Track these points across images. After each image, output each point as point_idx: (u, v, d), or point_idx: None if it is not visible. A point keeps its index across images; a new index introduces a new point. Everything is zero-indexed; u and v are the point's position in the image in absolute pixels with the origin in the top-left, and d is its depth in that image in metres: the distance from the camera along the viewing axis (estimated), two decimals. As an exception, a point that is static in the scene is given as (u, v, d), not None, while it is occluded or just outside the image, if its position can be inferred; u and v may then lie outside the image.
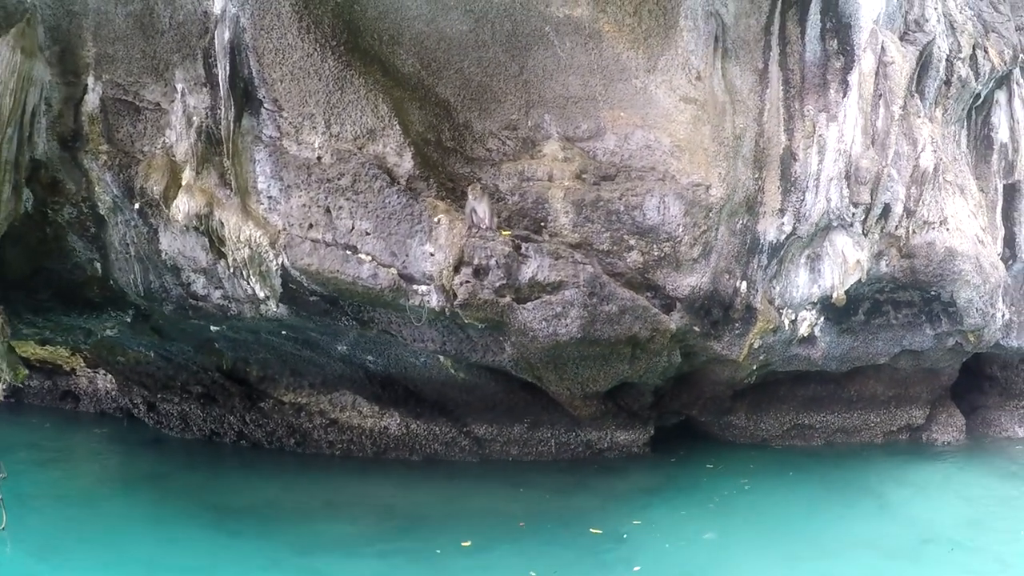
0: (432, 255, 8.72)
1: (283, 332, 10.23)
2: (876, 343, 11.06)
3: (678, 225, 9.12)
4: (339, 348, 10.35)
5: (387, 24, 9.04)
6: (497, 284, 8.71)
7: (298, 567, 8.57)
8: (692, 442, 12.15)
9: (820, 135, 9.78)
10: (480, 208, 8.82)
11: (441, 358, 9.99)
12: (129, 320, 10.34)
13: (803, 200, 9.84)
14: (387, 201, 8.70)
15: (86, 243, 9.78)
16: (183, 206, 8.92)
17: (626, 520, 9.49)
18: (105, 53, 9.16)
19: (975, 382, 13.56)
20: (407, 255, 8.75)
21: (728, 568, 8.62)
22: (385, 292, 8.74)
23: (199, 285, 9.59)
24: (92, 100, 9.33)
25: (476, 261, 8.68)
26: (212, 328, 10.26)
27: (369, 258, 8.74)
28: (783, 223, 9.81)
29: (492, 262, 8.69)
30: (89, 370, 13.33)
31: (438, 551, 8.74)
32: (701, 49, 9.39)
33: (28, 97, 9.26)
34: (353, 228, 8.75)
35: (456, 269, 8.73)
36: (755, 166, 9.66)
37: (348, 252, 8.75)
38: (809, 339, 10.58)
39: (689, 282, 9.34)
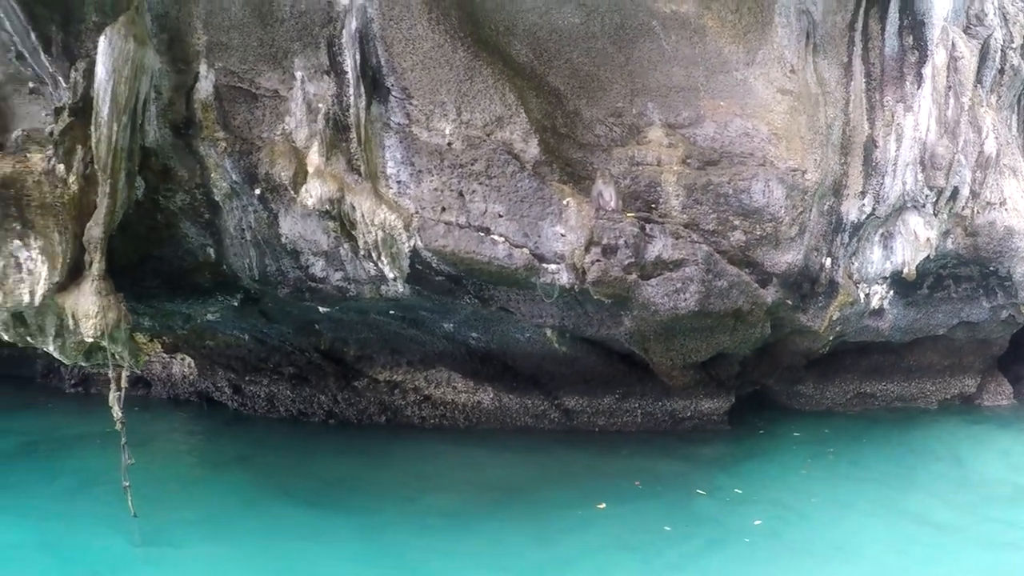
0: (563, 236, 9.01)
1: (391, 312, 10.37)
2: (937, 315, 11.81)
3: (780, 207, 9.58)
4: (445, 326, 10.55)
5: (502, 16, 9.23)
6: (626, 262, 9.08)
7: (409, 537, 8.87)
8: (760, 410, 12.64)
9: (898, 124, 10.41)
10: (607, 191, 9.18)
11: (548, 332, 10.29)
12: (236, 304, 10.34)
13: (882, 183, 10.46)
14: (519, 185, 8.96)
15: (199, 229, 9.77)
16: (315, 191, 8.99)
17: (727, 483, 9.96)
18: (218, 41, 9.10)
19: (1020, 353, 14.23)
20: (539, 236, 9.02)
21: (844, 522, 9.14)
22: (519, 271, 9.00)
23: (318, 268, 9.69)
24: (205, 87, 9.28)
25: (605, 241, 9.03)
26: (321, 310, 10.33)
27: (502, 239, 8.99)
28: (864, 204, 10.42)
29: (621, 242, 9.04)
30: (165, 356, 13.21)
31: (579, 512, 9.09)
32: (794, 44, 9.87)
33: (140, 85, 9.22)
34: (486, 211, 8.98)
35: (587, 249, 9.07)
36: (842, 152, 10.22)
37: (482, 234, 8.98)
38: (879, 311, 11.26)
39: (786, 259, 9.84)
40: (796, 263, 9.89)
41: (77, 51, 9.15)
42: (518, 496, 9.78)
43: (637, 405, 11.55)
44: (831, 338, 11.11)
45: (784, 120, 9.68)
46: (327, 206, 8.99)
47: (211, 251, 9.82)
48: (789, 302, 10.15)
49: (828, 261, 10.35)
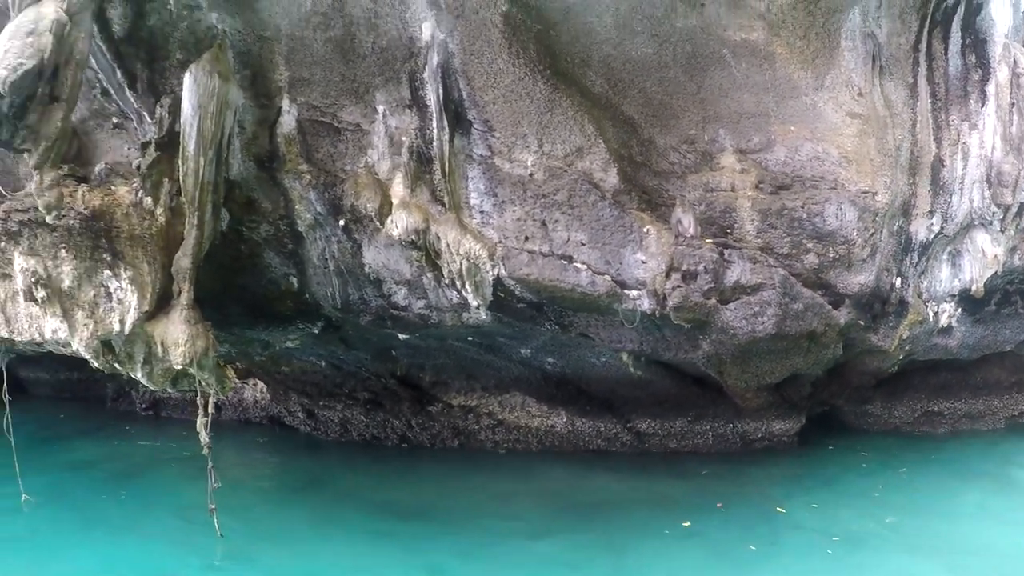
0: (644, 262, 9.18)
1: (469, 338, 10.57)
2: (1004, 331, 11.90)
3: (853, 229, 9.70)
4: (522, 352, 10.74)
5: (578, 48, 9.39)
6: (705, 288, 9.23)
7: (486, 559, 9.09)
8: (827, 430, 12.74)
9: (964, 142, 10.53)
10: (686, 218, 9.35)
11: (624, 356, 10.45)
12: (317, 331, 10.56)
13: (950, 202, 10.58)
14: (600, 214, 9.13)
15: (283, 259, 10.02)
16: (401, 222, 9.19)
17: (804, 501, 10.11)
18: (300, 77, 9.31)
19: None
20: (621, 263, 9.19)
21: (923, 537, 9.27)
22: (602, 298, 9.17)
23: (400, 296, 9.90)
24: (288, 122, 9.51)
25: (685, 267, 9.19)
26: (401, 337, 10.53)
27: (585, 267, 9.16)
28: (932, 223, 10.54)
29: (700, 267, 9.20)
30: (237, 381, 13.46)
31: (666, 531, 9.28)
32: (861, 67, 10.01)
33: (225, 120, 9.45)
34: (569, 239, 9.15)
35: (667, 275, 9.23)
36: (910, 173, 10.34)
37: (564, 262, 9.16)
38: (947, 329, 11.36)
39: (858, 280, 9.95)
40: (868, 284, 10.01)
41: (162, 87, 9.40)
42: (597, 517, 9.97)
43: (708, 427, 11.70)
44: (900, 357, 11.21)
45: (854, 143, 9.80)
46: (412, 236, 9.17)
47: (294, 280, 10.05)
48: (861, 322, 10.28)
49: (898, 281, 10.48)
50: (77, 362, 17.26)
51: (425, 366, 11.54)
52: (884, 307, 10.53)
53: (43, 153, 8.62)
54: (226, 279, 10.03)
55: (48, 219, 8.64)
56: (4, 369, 10.81)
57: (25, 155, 10.05)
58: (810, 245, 9.74)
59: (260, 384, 13.33)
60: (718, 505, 9.97)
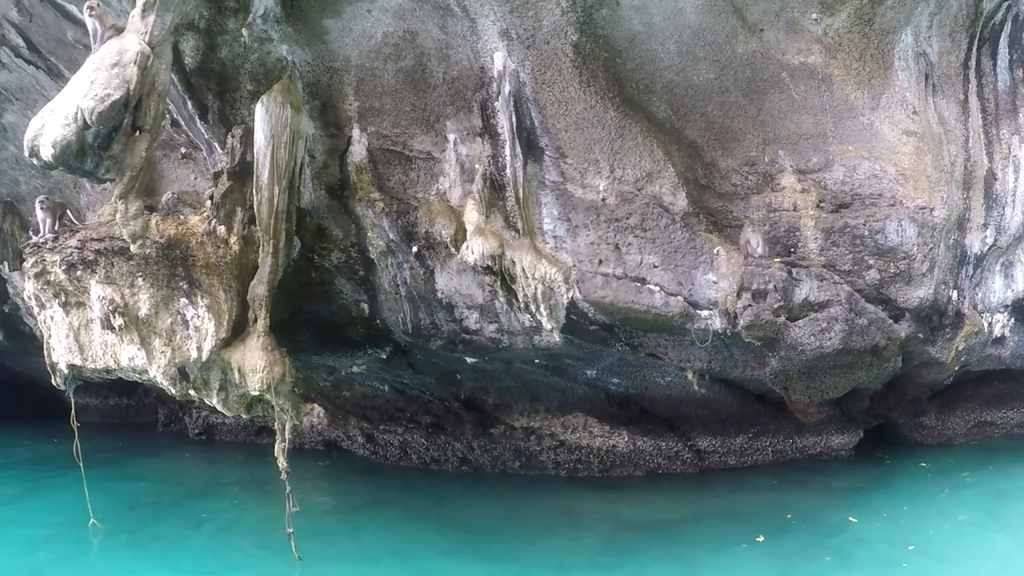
0: (716, 283, 9.37)
1: (536, 361, 10.72)
2: (1055, 341, 12.19)
3: (913, 245, 9.91)
4: (588, 373, 10.91)
5: (642, 75, 9.59)
6: (775, 306, 9.43)
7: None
8: (880, 443, 12.98)
9: (1014, 156, 10.79)
10: (754, 238, 9.54)
11: (689, 375, 10.62)
12: (385, 356, 10.70)
13: (1003, 215, 10.82)
14: (672, 236, 9.32)
15: (354, 286, 10.16)
16: (477, 248, 9.31)
17: (872, 512, 10.28)
18: (370, 107, 9.51)
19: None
20: (692, 284, 9.37)
21: (993, 541, 9.47)
22: (675, 318, 9.35)
23: (472, 320, 10.03)
24: (358, 151, 9.71)
25: (755, 286, 9.39)
26: (468, 360, 10.65)
27: (658, 288, 9.33)
28: (986, 236, 10.77)
29: (770, 286, 9.40)
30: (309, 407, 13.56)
31: (740, 546, 9.44)
32: (914, 86, 10.22)
33: (297, 150, 9.58)
34: (642, 262, 9.33)
35: (738, 294, 9.40)
36: (964, 187, 10.57)
37: (638, 284, 9.33)
38: (1000, 339, 11.59)
39: (918, 294, 10.15)
40: (927, 298, 10.22)
41: (232, 118, 9.62)
42: (666, 535, 10.08)
43: (768, 443, 11.90)
44: (956, 368, 11.44)
45: (911, 160, 10.02)
46: (488, 262, 9.32)
47: (365, 306, 10.19)
48: (920, 335, 10.48)
49: (955, 294, 10.70)
50: (127, 388, 17.51)
51: (489, 389, 11.68)
52: (941, 320, 10.73)
53: (128, 183, 8.74)
54: (295, 306, 10.16)
55: (133, 248, 8.75)
56: (71, 396, 10.75)
57: (107, 185, 10.28)
58: (871, 261, 9.94)
59: (317, 409, 13.39)
60: (788, 517, 10.09)
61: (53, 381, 10.16)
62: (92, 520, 10.60)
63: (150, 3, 8.30)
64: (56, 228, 9.77)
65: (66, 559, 10.33)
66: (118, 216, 8.71)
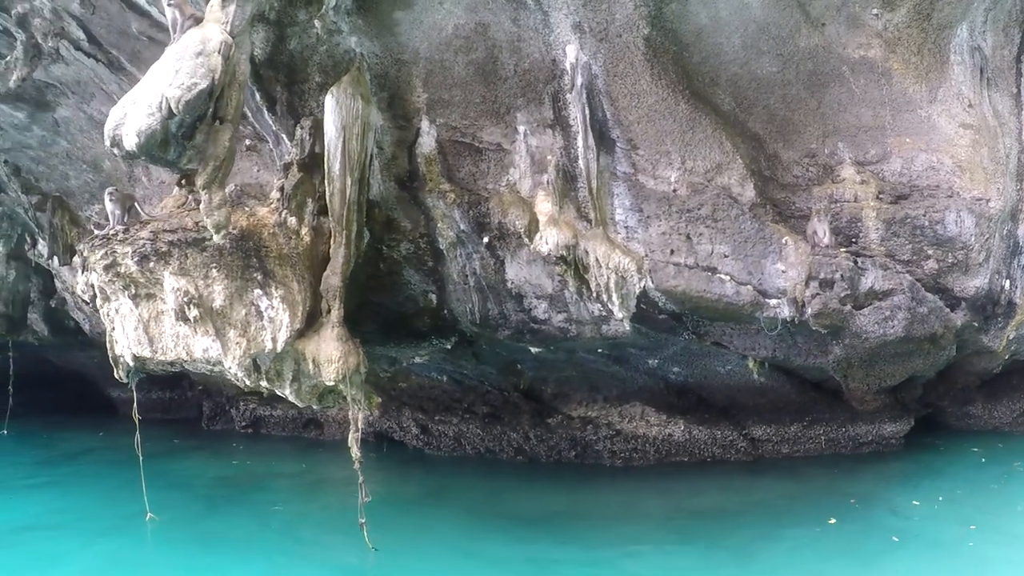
0: (784, 272, 9.45)
1: (599, 350, 10.75)
2: (1100, 328, 12.31)
3: (971, 235, 10.02)
4: (650, 362, 10.99)
5: (707, 68, 9.69)
6: (842, 295, 9.51)
7: (624, 563, 9.11)
8: (929, 432, 13.17)
9: (1064, 148, 10.95)
10: (821, 229, 9.61)
11: (750, 363, 10.69)
12: (450, 347, 10.69)
13: (1052, 205, 10.97)
14: (742, 227, 9.39)
15: (422, 276, 10.18)
16: (551, 238, 9.36)
17: (931, 495, 10.42)
18: (439, 98, 9.56)
19: None
20: (762, 273, 9.46)
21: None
22: (745, 307, 9.44)
23: (540, 310, 10.07)
24: (427, 143, 9.74)
25: (822, 275, 9.47)
26: (532, 350, 10.64)
27: (728, 277, 9.40)
28: (1037, 227, 10.93)
29: (837, 276, 9.48)
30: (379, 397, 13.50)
31: (808, 528, 9.55)
32: (970, 80, 10.33)
33: (368, 141, 9.51)
34: (713, 252, 9.40)
35: (806, 283, 9.45)
36: (1017, 179, 10.69)
37: (709, 273, 9.41)
38: (1048, 329, 11.75)
39: (974, 283, 10.27)
40: (983, 287, 10.33)
41: (301, 109, 9.68)
42: (729, 520, 10.32)
43: (822, 431, 12.06)
44: (1007, 357, 11.59)
45: (967, 153, 10.14)
46: (562, 252, 9.35)
47: (433, 297, 10.21)
48: (975, 324, 10.62)
49: (1007, 283, 10.81)
50: (169, 381, 17.38)
51: (549, 379, 11.74)
52: (994, 309, 10.85)
53: (211, 173, 8.67)
54: (363, 297, 10.16)
55: (215, 238, 8.68)
56: (134, 389, 10.64)
57: (170, 175, 10.13)
58: (930, 251, 10.03)
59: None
60: (852, 502, 10.17)
61: (116, 374, 10.18)
62: (149, 513, 10.45)
63: None
64: (125, 220, 9.63)
65: (125, 552, 10.30)
66: (202, 206, 8.61)
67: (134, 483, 11.70)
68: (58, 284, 14.94)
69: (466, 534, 10.17)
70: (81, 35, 10.58)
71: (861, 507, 10.19)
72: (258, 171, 10.51)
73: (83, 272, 12.26)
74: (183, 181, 11.00)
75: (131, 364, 9.75)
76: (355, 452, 9.43)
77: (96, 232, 11.01)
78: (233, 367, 8.87)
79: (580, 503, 11.04)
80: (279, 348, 8.84)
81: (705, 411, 11.84)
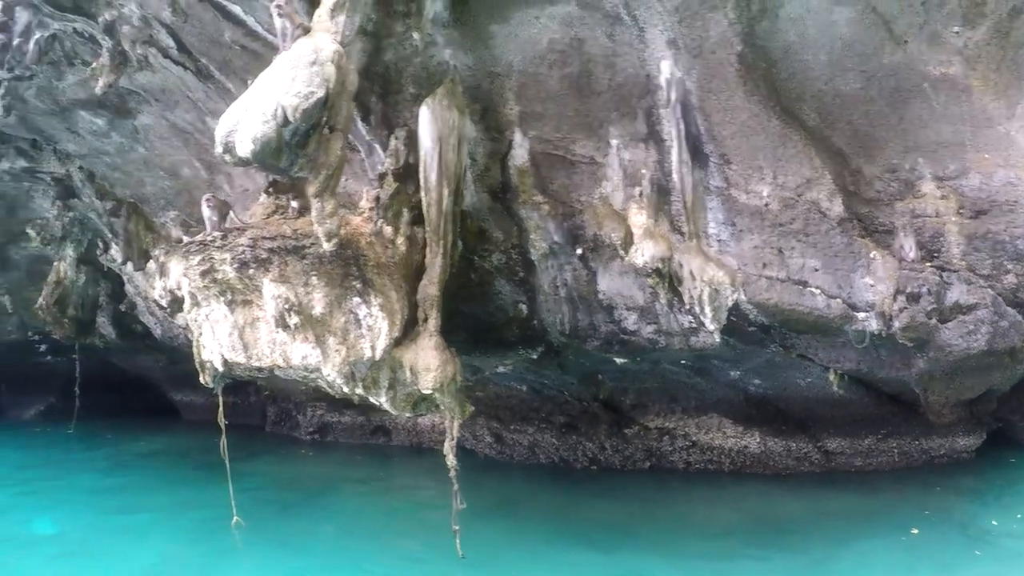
0: (872, 286, 9.63)
1: (683, 362, 10.84)
2: None
3: (1049, 251, 10.12)
4: (731, 374, 11.17)
5: (794, 84, 9.85)
6: (928, 308, 9.67)
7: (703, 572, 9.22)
8: (1000, 446, 13.12)
9: None
10: (907, 243, 9.76)
11: (830, 376, 10.77)
12: (535, 357, 10.78)
13: (1124, 222, 11.07)
14: (832, 241, 9.54)
15: (513, 287, 10.33)
16: (648, 251, 9.48)
17: (1010, 509, 10.53)
18: (532, 111, 9.74)
19: None
20: (851, 287, 9.60)
21: None
22: (835, 320, 9.60)
23: (630, 321, 10.21)
24: (520, 155, 9.90)
25: (909, 289, 9.62)
26: (618, 361, 10.72)
27: (819, 291, 9.55)
28: (1109, 243, 11.03)
29: (924, 290, 9.63)
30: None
31: (903, 538, 9.72)
32: (1045, 96, 10.42)
33: (462, 152, 9.55)
34: (804, 266, 9.57)
35: (894, 297, 9.51)
36: (1092, 196, 10.80)
37: (800, 287, 9.58)
38: (1121, 346, 11.86)
39: (1051, 298, 10.38)
40: (1059, 301, 10.41)
41: (394, 120, 9.87)
42: (810, 528, 10.42)
43: (895, 444, 12.29)
44: (1079, 371, 11.63)
45: (1045, 169, 10.16)
46: (658, 264, 9.39)
47: (523, 307, 10.35)
48: (1052, 337, 10.67)
49: (1082, 299, 10.88)
50: (233, 386, 17.25)
51: (628, 389, 11.95)
52: (1067, 322, 10.92)
53: (323, 181, 8.77)
54: (452, 307, 10.21)
55: (326, 246, 8.69)
56: (220, 394, 10.63)
57: (269, 184, 10.15)
58: (1010, 266, 10.17)
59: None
60: (926, 512, 10.26)
61: (201, 379, 10.17)
62: (236, 517, 10.45)
63: (340, 3, 8.38)
64: (222, 226, 9.64)
65: (211, 555, 10.21)
66: (313, 214, 8.69)
67: (207, 485, 11.76)
68: (129, 289, 14.99)
69: (547, 542, 10.37)
70: (170, 43, 10.75)
71: (938, 520, 10.34)
72: (346, 180, 10.53)
73: (161, 277, 12.29)
74: (270, 189, 11.08)
75: (220, 369, 9.77)
76: (451, 460, 9.50)
77: (186, 238, 11.08)
78: (332, 374, 8.88)
79: (656, 512, 11.25)
80: (377, 356, 8.86)
81: (782, 423, 12.03)
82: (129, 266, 13.50)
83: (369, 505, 11.89)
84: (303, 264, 9.00)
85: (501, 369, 11.34)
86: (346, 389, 9.27)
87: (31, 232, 14.68)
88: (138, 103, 11.87)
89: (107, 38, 10.84)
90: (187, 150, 12.27)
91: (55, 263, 15.05)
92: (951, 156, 10.39)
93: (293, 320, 8.83)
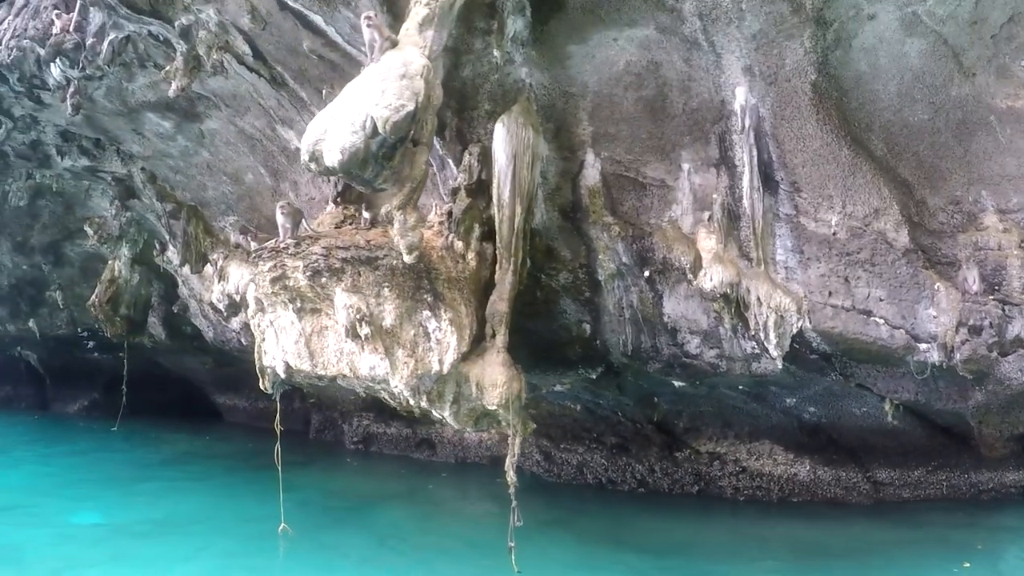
0: (936, 317, 9.79)
1: (740, 387, 10.93)
2: None
3: (1105, 289, 10.20)
4: (787, 401, 11.36)
5: (863, 114, 10.01)
6: (990, 342, 9.83)
7: None
8: None
9: None
10: (971, 276, 9.83)
11: (885, 406, 10.83)
12: (595, 377, 10.87)
13: None
14: (897, 272, 9.68)
15: (579, 306, 10.50)
16: (717, 275, 9.65)
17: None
18: (605, 132, 9.95)
19: None
20: (915, 318, 9.76)
21: None
22: (898, 350, 9.74)
23: (693, 345, 10.37)
24: (591, 175, 10.05)
25: (972, 322, 9.80)
26: (676, 384, 10.78)
27: (883, 321, 9.69)
28: None
29: (986, 323, 9.78)
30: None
31: (955, 569, 9.77)
32: (1105, 133, 10.53)
33: (535, 170, 9.65)
34: (869, 295, 9.71)
35: (956, 329, 9.58)
36: None
37: (864, 316, 9.68)
38: None
39: (1107, 336, 10.44)
40: (1122, 332, 10.49)
41: (468, 136, 10.04)
42: (859, 558, 10.35)
43: (944, 477, 12.39)
44: None
45: (1103, 205, 10.27)
46: (726, 289, 9.45)
47: (587, 327, 10.51)
48: (1108, 367, 10.77)
49: None
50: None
51: (683, 413, 12.13)
52: None
53: (407, 194, 8.98)
54: (516, 323, 10.21)
55: (407, 259, 8.81)
56: (278, 400, 10.68)
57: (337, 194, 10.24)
58: (1068, 301, 10.16)
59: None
60: (979, 547, 10.33)
61: (261, 385, 10.43)
62: (283, 524, 10.55)
63: (428, 18, 8.44)
64: (295, 234, 9.70)
65: (257, 562, 10.47)
66: (396, 227, 8.84)
67: (250, 489, 11.81)
68: (184, 291, 15.13)
69: (597, 561, 10.29)
70: (246, 49, 10.97)
71: (989, 555, 10.43)
72: (411, 194, 10.56)
73: (220, 281, 12.44)
74: (339, 199, 11.17)
75: (281, 375, 9.88)
76: (511, 476, 9.44)
77: (254, 244, 11.17)
78: (400, 386, 9.02)
79: (704, 536, 11.44)
80: (445, 370, 9.02)
81: (833, 452, 12.22)
82: (186, 269, 13.64)
83: (415, 519, 11.95)
84: (376, 275, 9.12)
85: (558, 387, 11.49)
86: (412, 402, 9.40)
87: (89, 229, 15.04)
88: (207, 108, 12.12)
89: (182, 42, 11.05)
90: (253, 156, 12.47)
91: (110, 262, 15.43)
92: (1014, 189, 10.50)
93: (364, 330, 8.95)
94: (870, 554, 10.50)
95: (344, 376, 9.48)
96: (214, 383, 19.77)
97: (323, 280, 8.96)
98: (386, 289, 8.97)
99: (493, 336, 9.52)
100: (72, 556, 10.34)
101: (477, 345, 9.41)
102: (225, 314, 12.58)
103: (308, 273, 8.94)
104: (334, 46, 10.03)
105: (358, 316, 8.91)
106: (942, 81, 9.74)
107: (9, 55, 11.95)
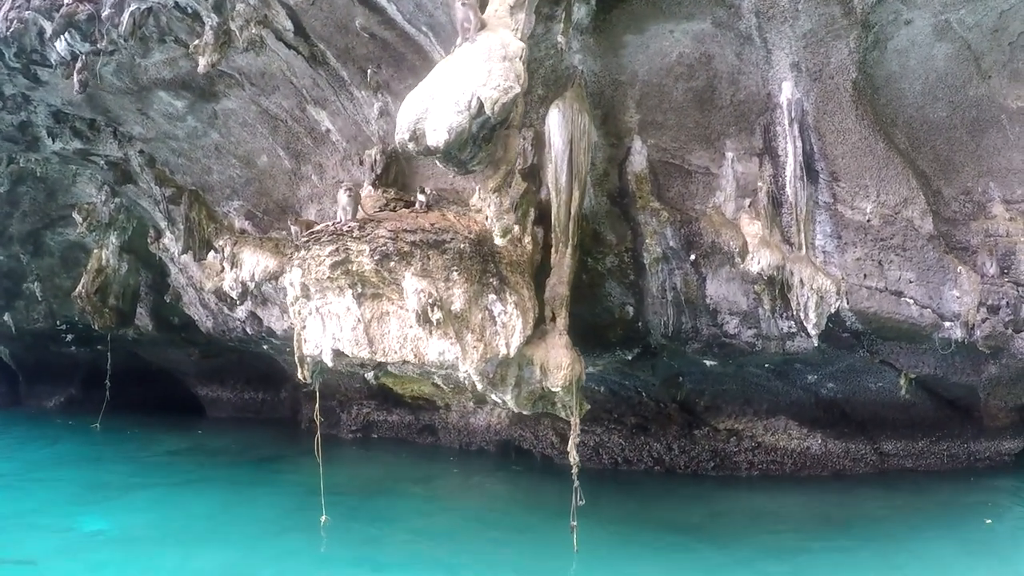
0: (959, 298, 11.50)
1: (767, 365, 12.30)
2: None
3: (1100, 271, 12.24)
4: (809, 377, 12.73)
5: (890, 110, 11.54)
6: (1006, 319, 11.60)
7: (773, 566, 10.39)
8: None
9: None
10: (988, 260, 11.58)
11: (900, 381, 12.53)
12: (631, 358, 12.00)
13: None
14: (925, 256, 11.32)
15: (623, 289, 11.63)
16: (764, 259, 11.03)
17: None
18: (651, 120, 11.14)
19: None
20: (940, 298, 11.42)
21: None
22: (926, 328, 11.40)
23: (731, 325, 11.69)
24: (638, 161, 11.22)
25: (990, 302, 11.55)
26: (707, 363, 12.16)
27: (912, 301, 11.32)
28: None
29: (1003, 303, 11.54)
30: (472, 405, 14.37)
31: (980, 527, 11.47)
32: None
33: (590, 156, 10.75)
34: (900, 278, 11.28)
35: (977, 309, 11.34)
36: None
37: (896, 297, 11.28)
38: None
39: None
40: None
41: (522, 119, 10.64)
42: (881, 524, 11.82)
43: (946, 447, 14.11)
44: None
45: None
46: (772, 272, 10.81)
47: (630, 309, 11.67)
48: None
49: None
50: (263, 382, 17.70)
51: (705, 391, 13.41)
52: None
53: (503, 177, 9.90)
54: (563, 307, 11.33)
55: (498, 241, 9.69)
56: (317, 391, 11.35)
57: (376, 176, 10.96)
58: (1072, 282, 12.18)
59: (496, 409, 14.38)
60: (987, 521, 12.17)
61: (299, 374, 10.79)
62: (324, 516, 11.24)
63: (519, 2, 9.02)
64: (356, 217, 10.30)
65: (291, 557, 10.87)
66: (491, 210, 9.70)
67: (249, 483, 12.19)
68: (180, 279, 15.37)
69: (630, 541, 11.29)
70: (287, 25, 11.34)
71: (1003, 512, 12.21)
72: (453, 177, 11.47)
73: (232, 268, 12.97)
74: (376, 182, 11.97)
75: (330, 363, 10.45)
76: (573, 456, 10.29)
77: (293, 228, 11.74)
78: (471, 371, 9.66)
79: (725, 511, 12.68)
80: (511, 353, 9.76)
81: (844, 425, 13.83)
82: (187, 256, 13.93)
83: (437, 504, 12.75)
84: (444, 259, 9.68)
85: (591, 369, 12.62)
86: (480, 386, 9.90)
87: (78, 217, 15.09)
88: (227, 86, 12.52)
89: (214, 15, 11.27)
90: (272, 138, 13.04)
91: (95, 251, 15.54)
92: (1019, 181, 12.21)
93: (436, 316, 9.47)
94: (886, 518, 11.88)
95: (406, 363, 10.04)
96: (198, 375, 20.26)
97: (391, 264, 9.51)
98: (455, 273, 9.61)
99: (553, 319, 10.43)
100: (95, 569, 10.31)
101: (536, 328, 10.39)
102: (238, 301, 13.07)
103: (376, 257, 9.47)
104: (391, 24, 10.66)
105: (430, 301, 9.41)
106: (962, 82, 11.36)
107: (8, 27, 11.96)
